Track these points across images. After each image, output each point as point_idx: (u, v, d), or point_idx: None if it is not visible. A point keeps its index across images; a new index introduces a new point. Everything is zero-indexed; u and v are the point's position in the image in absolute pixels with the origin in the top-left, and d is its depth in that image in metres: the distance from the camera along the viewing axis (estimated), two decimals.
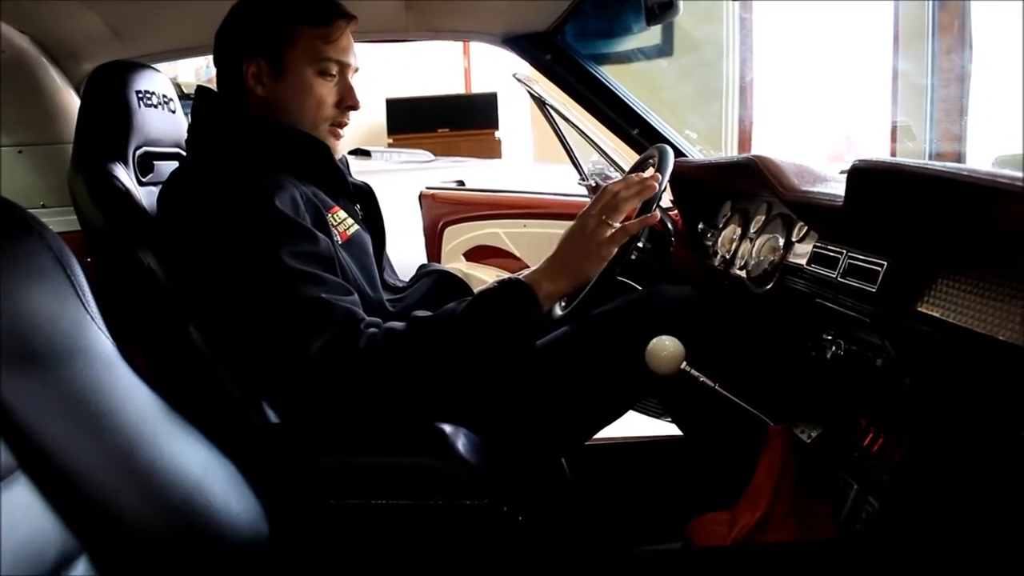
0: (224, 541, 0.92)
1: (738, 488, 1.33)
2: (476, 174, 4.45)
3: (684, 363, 1.31)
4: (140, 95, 1.52)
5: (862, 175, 1.05)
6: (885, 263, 1.10)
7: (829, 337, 1.28)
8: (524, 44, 1.96)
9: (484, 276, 2.72)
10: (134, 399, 0.88)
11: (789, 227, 1.45)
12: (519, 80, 2.30)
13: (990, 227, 0.91)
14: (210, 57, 1.47)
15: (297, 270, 1.20)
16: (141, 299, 1.34)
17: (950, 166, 0.93)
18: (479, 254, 2.79)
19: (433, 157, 4.80)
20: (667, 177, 1.46)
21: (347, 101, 1.40)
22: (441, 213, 2.88)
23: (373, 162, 4.63)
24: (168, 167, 1.61)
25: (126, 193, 1.39)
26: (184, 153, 1.68)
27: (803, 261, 1.36)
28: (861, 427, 1.26)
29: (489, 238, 2.72)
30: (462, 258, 2.85)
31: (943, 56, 3.44)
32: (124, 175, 1.43)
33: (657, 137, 1.97)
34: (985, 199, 0.86)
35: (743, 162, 1.49)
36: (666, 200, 2.13)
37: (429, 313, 1.26)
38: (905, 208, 1.04)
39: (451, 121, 6.39)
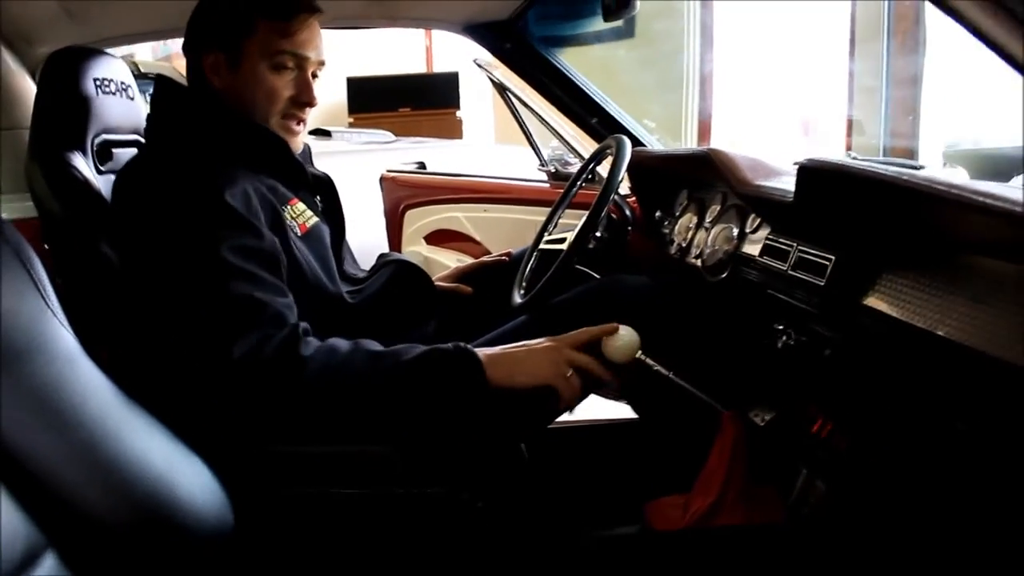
0: (190, 531, 0.94)
1: (692, 472, 1.37)
2: (438, 156, 4.45)
3: (640, 352, 1.34)
4: (98, 83, 1.51)
5: (810, 174, 1.08)
6: (833, 258, 1.14)
7: (780, 327, 1.32)
8: (485, 32, 1.97)
9: (444, 260, 2.74)
10: (96, 393, 0.89)
11: (743, 218, 1.49)
12: (480, 66, 2.32)
13: (929, 229, 0.95)
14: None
15: (233, 266, 1.18)
16: (100, 288, 1.35)
17: (892, 170, 0.97)
18: (440, 238, 2.81)
19: (394, 137, 4.79)
20: (623, 168, 1.49)
21: (302, 97, 1.38)
22: (402, 196, 2.89)
23: (333, 142, 4.60)
24: (126, 155, 1.60)
25: (84, 182, 1.38)
26: (143, 140, 1.67)
27: (756, 252, 1.39)
28: (811, 414, 1.30)
29: (450, 222, 2.73)
30: (423, 241, 2.86)
31: (897, 57, 3.53)
32: (82, 164, 1.42)
33: (615, 126, 2.00)
34: (923, 204, 0.90)
35: (699, 154, 1.53)
36: (624, 188, 2.17)
37: (375, 344, 1.23)
38: (851, 206, 1.08)
39: (412, 100, 6.38)
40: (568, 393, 1.25)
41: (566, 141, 2.26)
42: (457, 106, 6.49)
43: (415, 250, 2.86)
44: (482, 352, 1.24)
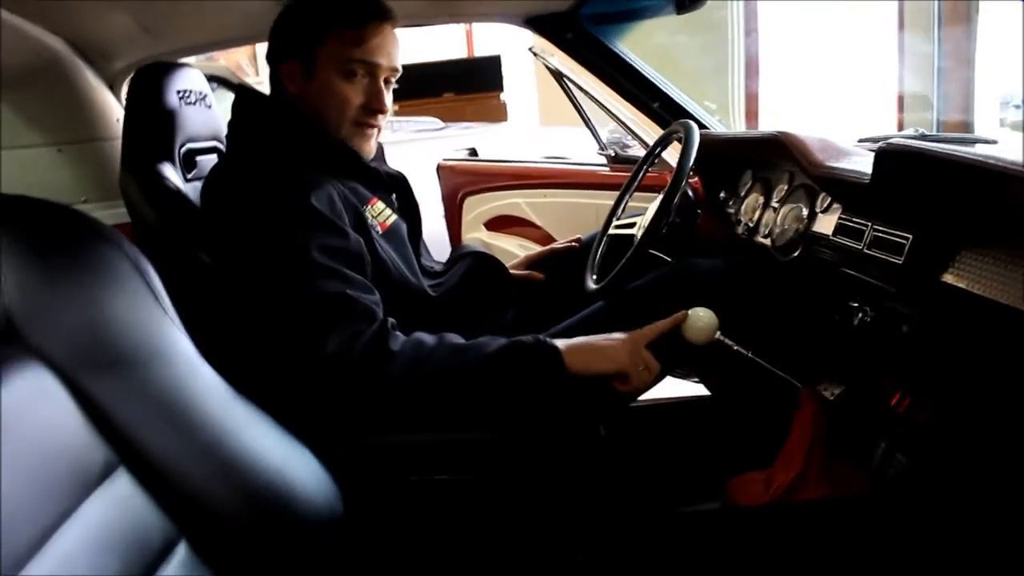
0: (304, 520, 0.99)
1: (772, 448, 1.40)
2: (488, 141, 4.49)
3: (718, 333, 1.37)
4: (181, 95, 1.58)
5: (888, 157, 1.11)
6: (910, 237, 1.16)
7: (855, 305, 1.34)
8: (545, 24, 2.00)
9: (506, 246, 2.78)
10: (216, 394, 0.95)
11: (812, 198, 1.51)
12: (535, 54, 2.35)
13: (1008, 208, 0.97)
14: None
15: (323, 265, 1.24)
16: (199, 292, 1.41)
17: (968, 152, 1.00)
18: (500, 224, 2.85)
19: (444, 124, 4.83)
20: (693, 153, 1.51)
21: (372, 104, 1.41)
22: (460, 184, 2.94)
23: (384, 133, 4.65)
24: (208, 162, 1.67)
25: (176, 191, 1.45)
26: (221, 146, 1.74)
27: (828, 231, 1.42)
28: (887, 388, 1.32)
29: (510, 208, 2.77)
30: (483, 228, 2.90)
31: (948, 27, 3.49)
32: (173, 174, 1.49)
33: (677, 110, 2.02)
34: (1005, 183, 0.92)
35: (768, 137, 1.55)
36: None
37: (458, 338, 1.28)
38: (928, 188, 1.10)
39: (456, 85, 6.40)
40: (636, 382, 1.31)
41: (625, 124, 2.28)
42: (501, 89, 6.50)
43: (476, 237, 2.91)
44: (561, 342, 1.29)
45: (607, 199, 2.42)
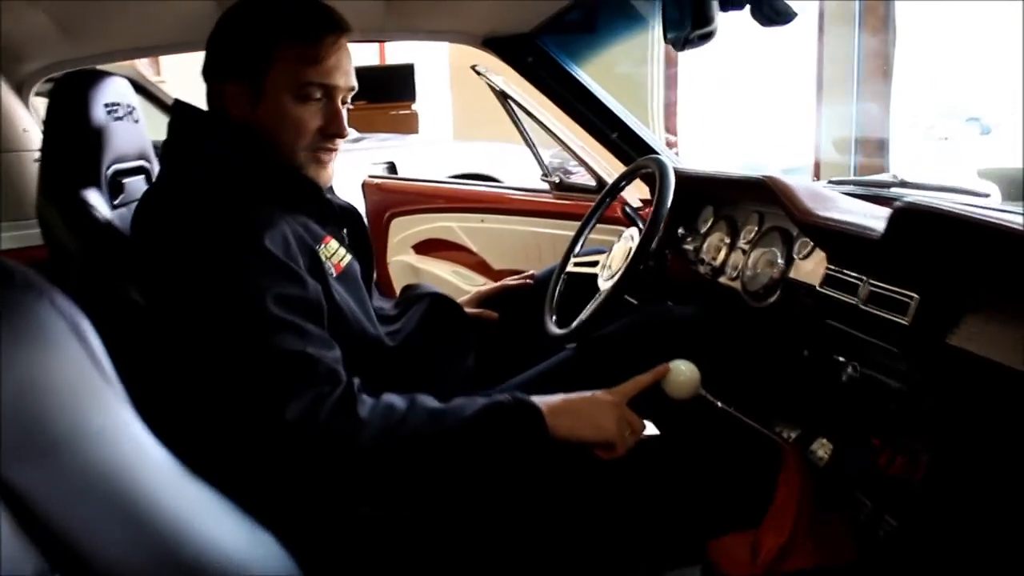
0: None
1: (752, 506, 1.34)
2: (404, 155, 4.36)
3: (700, 388, 1.30)
4: (108, 108, 1.41)
5: (906, 215, 1.05)
6: (916, 296, 1.11)
7: (841, 359, 1.29)
8: (505, 46, 1.89)
9: (437, 271, 2.68)
10: (167, 479, 0.80)
11: (788, 243, 1.46)
12: (479, 73, 2.24)
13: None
14: None
15: (280, 318, 1.09)
16: (127, 333, 1.25)
17: (991, 214, 0.96)
18: (430, 247, 2.74)
19: (360, 135, 4.67)
20: (670, 194, 1.44)
21: (331, 128, 1.26)
22: (387, 204, 2.80)
23: None
24: (135, 184, 1.50)
25: (105, 223, 1.29)
26: (148, 166, 1.57)
27: (809, 280, 1.37)
28: (875, 446, 1.27)
29: (442, 232, 2.66)
30: (411, 251, 2.78)
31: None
32: (99, 201, 1.33)
33: (637, 142, 1.95)
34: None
35: (753, 181, 1.49)
36: (633, 197, 2.12)
37: (431, 400, 1.16)
38: (941, 247, 1.06)
39: (367, 94, 6.19)
40: (622, 449, 1.23)
41: (568, 147, 2.20)
42: (413, 99, 6.37)
43: (403, 259, 2.78)
44: (543, 403, 1.19)
45: (551, 228, 2.36)
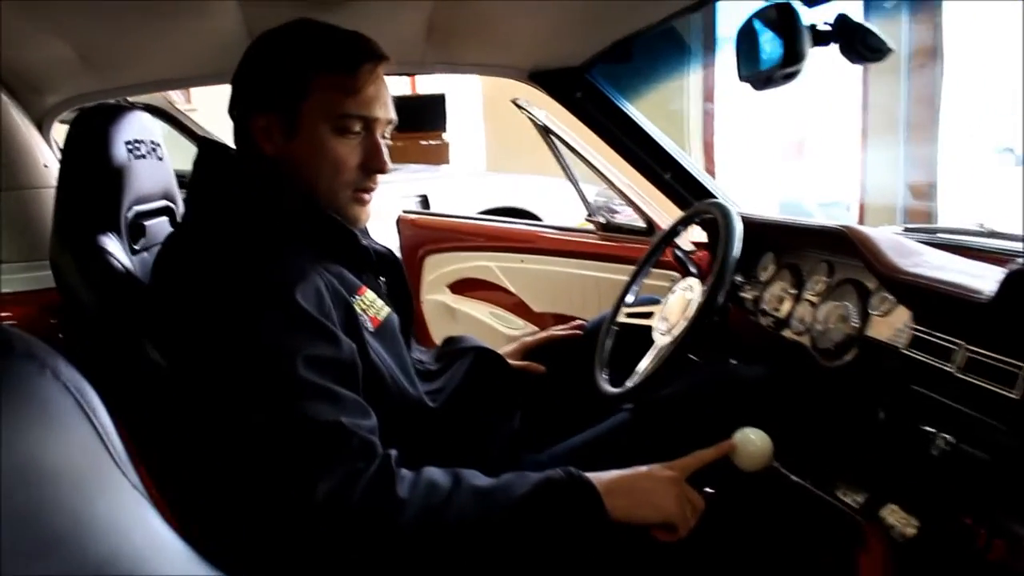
0: None
1: None
2: (438, 187, 4.28)
3: (772, 459, 1.19)
4: (130, 146, 1.32)
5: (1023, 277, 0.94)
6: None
7: (930, 430, 1.17)
8: (553, 80, 1.79)
9: (474, 312, 2.57)
10: (176, 566, 0.71)
11: (864, 297, 1.34)
12: (520, 107, 2.15)
13: None
14: None
15: (311, 383, 0.98)
16: (143, 394, 1.15)
17: None
18: (466, 286, 2.63)
19: (393, 166, 4.59)
20: (738, 244, 1.33)
21: (372, 163, 1.17)
22: (422, 240, 2.71)
23: None
24: (158, 227, 1.41)
25: (121, 271, 1.19)
26: (173, 206, 1.48)
27: (890, 340, 1.24)
28: (968, 527, 1.15)
29: (478, 271, 2.56)
30: (446, 290, 2.69)
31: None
32: (117, 248, 1.23)
33: (692, 184, 1.83)
34: None
35: (830, 230, 1.37)
36: (685, 241, 2.01)
37: (478, 477, 1.05)
38: None
39: (398, 123, 6.16)
40: (684, 531, 1.12)
41: (613, 184, 2.10)
42: (444, 129, 6.30)
43: (438, 298, 2.68)
44: (599, 481, 1.08)
45: (595, 271, 2.25)
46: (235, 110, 1.20)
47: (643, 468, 1.13)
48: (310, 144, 1.14)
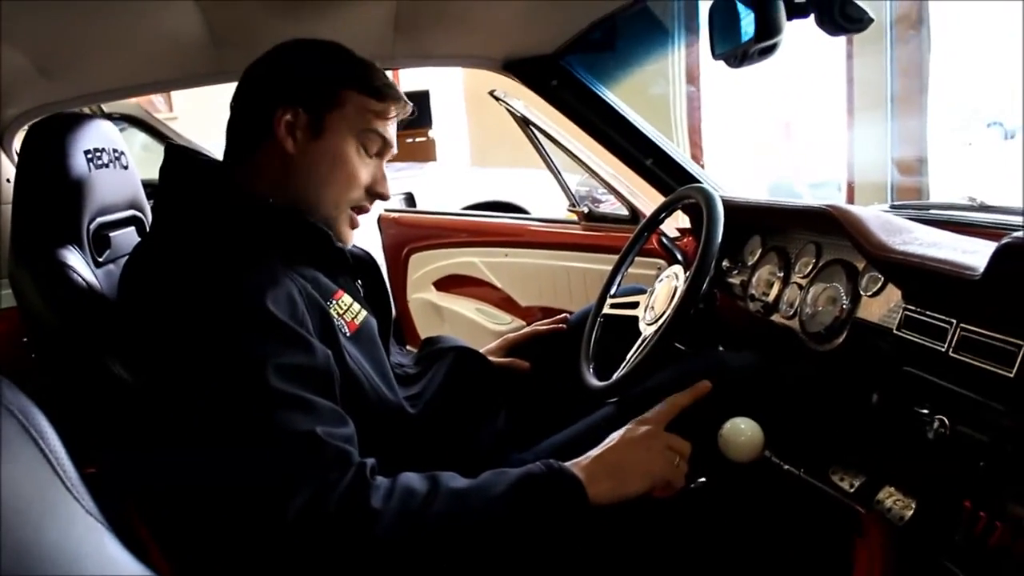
0: None
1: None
2: (422, 184, 4.23)
3: (764, 449, 1.15)
4: (89, 155, 1.27)
5: (1015, 251, 0.90)
6: (1022, 344, 0.95)
7: (924, 412, 1.13)
8: (528, 69, 1.75)
9: (461, 309, 2.54)
10: None
11: (853, 278, 1.30)
12: (498, 99, 2.11)
13: None
14: None
15: (282, 392, 0.95)
16: (109, 414, 1.11)
17: None
18: (451, 283, 2.60)
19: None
20: (720, 229, 1.29)
21: (377, 188, 1.23)
22: (405, 239, 2.67)
23: None
24: (125, 238, 1.36)
25: (83, 287, 1.15)
26: (142, 216, 1.43)
27: (881, 320, 1.21)
28: (967, 510, 1.11)
29: (463, 267, 2.52)
30: (431, 288, 2.65)
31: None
32: (78, 261, 1.19)
33: (674, 169, 1.79)
34: None
35: (816, 210, 1.33)
36: (670, 228, 1.98)
37: (455, 479, 1.01)
38: None
39: None
40: (678, 483, 1.09)
41: (596, 174, 2.06)
42: (429, 125, 6.27)
43: (423, 297, 2.65)
44: (580, 468, 1.04)
45: (581, 262, 2.21)
46: (251, 100, 1.20)
47: (617, 436, 1.11)
48: (334, 149, 1.17)
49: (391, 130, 1.23)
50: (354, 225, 1.23)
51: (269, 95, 1.17)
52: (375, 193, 1.23)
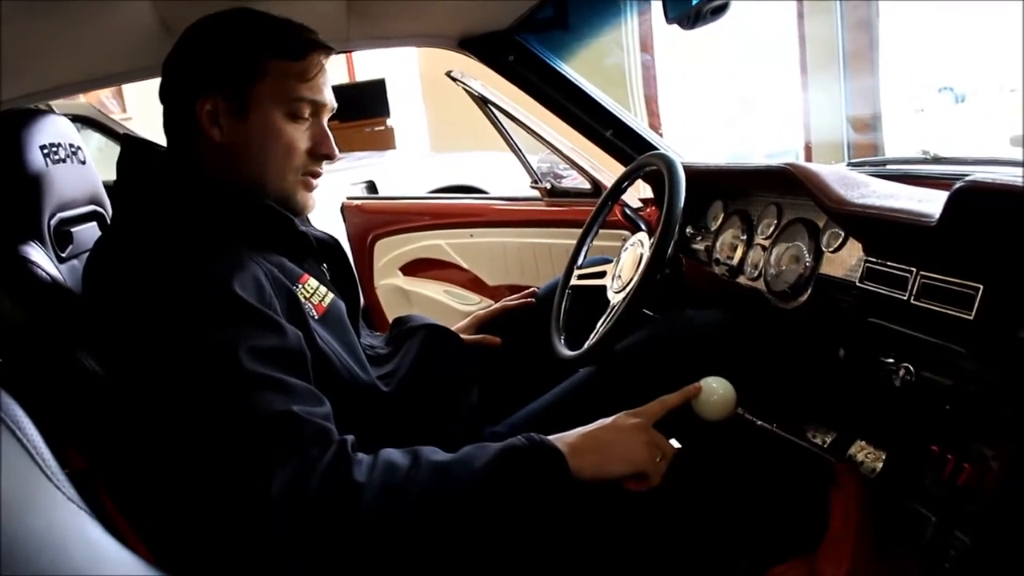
0: None
1: (806, 528, 1.20)
2: (382, 172, 4.22)
3: (736, 407, 1.17)
4: (46, 151, 1.25)
5: (969, 195, 0.92)
6: (980, 287, 0.98)
7: (889, 361, 1.16)
8: (483, 46, 1.74)
9: (429, 292, 2.54)
10: None
11: (815, 235, 1.32)
12: (455, 79, 2.10)
13: None
14: None
15: (255, 374, 0.95)
16: (82, 408, 1.10)
17: None
18: (418, 267, 2.59)
19: (339, 155, 4.52)
20: (682, 193, 1.31)
21: (321, 149, 1.17)
22: (370, 226, 2.66)
23: None
24: (87, 233, 1.35)
25: (50, 283, 1.14)
26: (103, 211, 1.42)
27: (844, 275, 1.23)
28: (935, 454, 1.14)
29: (429, 250, 2.52)
30: (399, 273, 2.64)
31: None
32: (41, 256, 1.17)
33: (634, 138, 1.80)
34: None
35: (775, 169, 1.34)
36: (632, 198, 1.99)
37: (437, 453, 1.01)
38: (1011, 228, 0.92)
39: (340, 113, 6.05)
40: (655, 479, 1.09)
41: (557, 149, 2.06)
42: (387, 114, 6.23)
43: (391, 283, 2.64)
44: (563, 442, 1.05)
45: (546, 238, 2.22)
46: (172, 94, 1.17)
47: (607, 420, 1.11)
48: (262, 127, 1.13)
49: (321, 88, 1.16)
50: (309, 188, 1.20)
51: (187, 87, 1.14)
52: (319, 155, 1.18)
